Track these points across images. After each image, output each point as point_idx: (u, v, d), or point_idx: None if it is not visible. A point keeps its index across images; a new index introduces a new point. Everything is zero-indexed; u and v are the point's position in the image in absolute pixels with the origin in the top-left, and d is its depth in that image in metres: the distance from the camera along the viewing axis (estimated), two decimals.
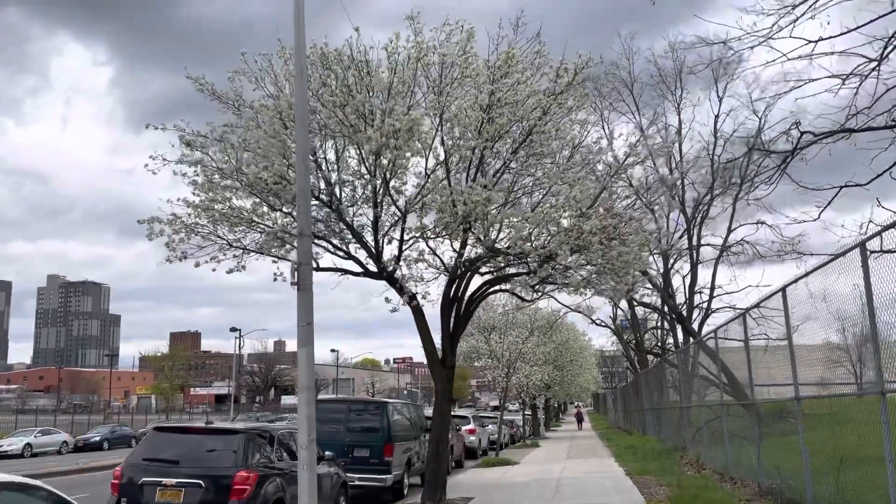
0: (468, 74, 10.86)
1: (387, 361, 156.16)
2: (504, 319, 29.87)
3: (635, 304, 31.81)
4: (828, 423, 10.06)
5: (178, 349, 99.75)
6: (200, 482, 7.97)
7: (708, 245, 27.33)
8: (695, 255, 27.49)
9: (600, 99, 26.01)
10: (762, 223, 25.74)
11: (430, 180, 11.20)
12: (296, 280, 7.62)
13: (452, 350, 13.54)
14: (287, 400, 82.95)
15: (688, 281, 27.97)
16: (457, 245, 13.14)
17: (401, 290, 11.78)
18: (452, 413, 32.37)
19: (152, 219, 12.35)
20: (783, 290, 10.07)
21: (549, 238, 10.56)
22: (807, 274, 8.83)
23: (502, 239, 12.26)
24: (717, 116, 25.76)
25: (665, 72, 26.55)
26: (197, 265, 13.02)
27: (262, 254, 13.57)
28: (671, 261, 27.00)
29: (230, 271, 13.60)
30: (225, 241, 12.99)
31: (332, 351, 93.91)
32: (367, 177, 11.35)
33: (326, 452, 10.63)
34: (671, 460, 18.99)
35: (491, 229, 12.11)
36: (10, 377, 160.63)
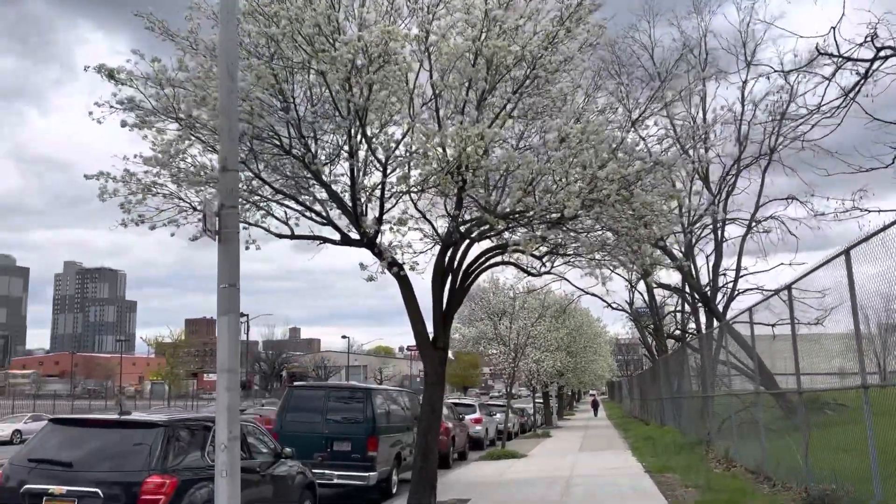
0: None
1: (400, 349, 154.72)
2: (513, 304, 27.96)
3: (654, 285, 29.75)
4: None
5: (185, 335, 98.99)
6: (98, 490, 6.15)
7: (734, 221, 25.22)
8: (719, 233, 25.40)
9: (618, 66, 23.84)
10: (793, 198, 23.68)
11: (414, 123, 9.27)
12: (216, 227, 5.75)
13: (445, 329, 11.66)
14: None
15: (711, 261, 25.89)
16: (450, 206, 11.26)
17: (380, 254, 9.91)
18: (457, 401, 30.67)
19: (101, 174, 10.57)
20: (847, 252, 8.10)
21: (557, 189, 8.59)
22: (885, 228, 6.84)
23: (503, 199, 10.35)
24: (744, 83, 23.57)
25: (687, 35, 24.33)
26: (152, 228, 11.29)
27: None
28: (693, 238, 24.89)
29: (194, 238, 11.87)
30: (188, 204, 11.29)
31: (343, 337, 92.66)
32: (339, 118, 9.46)
33: (286, 449, 8.83)
34: (696, 455, 17.06)
35: (488, 183, 10.20)
36: (25, 362, 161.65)
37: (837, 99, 7.45)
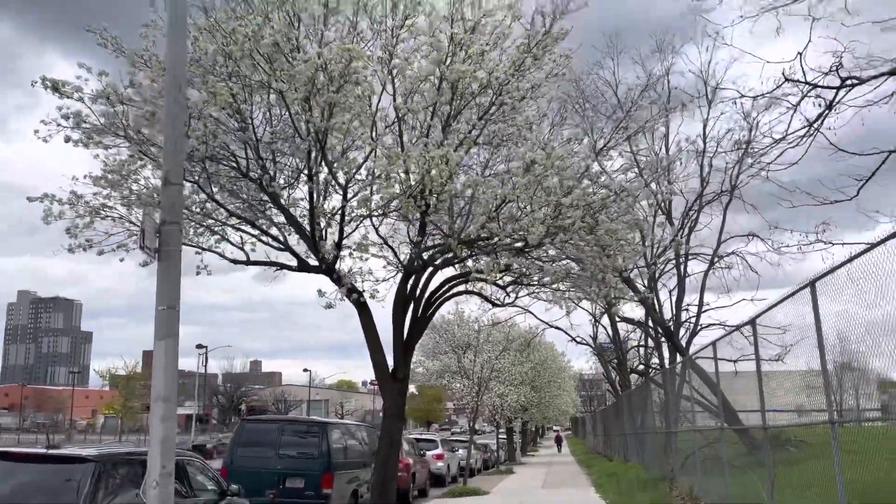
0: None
1: (363, 383, 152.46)
2: (478, 336, 27.64)
3: (618, 319, 29.72)
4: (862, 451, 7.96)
5: (142, 367, 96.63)
6: None
7: (696, 256, 25.41)
8: (682, 268, 25.54)
9: (583, 101, 24.02)
10: (754, 235, 23.95)
11: (377, 145, 9.01)
12: (156, 245, 5.37)
13: (406, 360, 11.30)
14: None
15: (675, 296, 25.98)
16: (413, 233, 11.00)
17: (338, 280, 9.56)
18: (419, 436, 30.02)
19: (46, 196, 10.10)
20: (812, 284, 7.99)
21: (521, 216, 8.36)
22: (852, 259, 6.72)
23: (467, 226, 10.12)
24: (706, 121, 23.93)
25: (651, 73, 24.68)
26: (100, 253, 10.82)
27: (184, 244, 11.40)
28: (657, 272, 24.97)
29: (144, 264, 11.40)
30: (139, 227, 10.84)
31: (305, 370, 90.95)
32: (298, 139, 9.17)
33: (232, 486, 8.30)
34: (659, 492, 16.78)
35: (452, 209, 9.96)
36: None
37: (802, 128, 7.42)
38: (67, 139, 8.54)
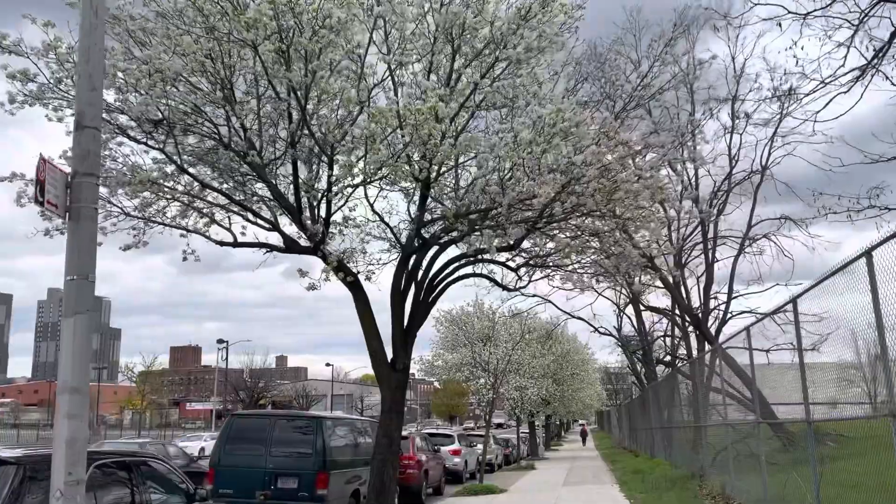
0: None
1: None
2: (493, 327, 26.57)
3: (643, 308, 28.46)
4: None
5: (169, 363, 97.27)
6: None
7: (725, 242, 24.06)
8: (710, 253, 24.19)
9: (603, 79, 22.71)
10: (787, 219, 22.55)
11: (365, 105, 7.94)
12: (66, 203, 4.37)
13: (406, 348, 10.26)
14: None
15: (702, 283, 24.65)
16: (413, 209, 9.99)
17: (324, 258, 8.55)
18: (434, 431, 28.98)
19: (15, 175, 9.21)
20: (868, 253, 6.80)
21: (527, 179, 7.25)
22: None
23: (464, 196, 9.02)
24: (734, 97, 22.48)
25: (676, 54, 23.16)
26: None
27: (166, 226, 10.53)
28: (684, 258, 23.66)
29: (126, 247, 10.55)
30: (119, 209, 10.00)
31: (327, 365, 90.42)
32: (275, 101, 8.15)
33: (199, 490, 7.32)
34: (688, 491, 15.60)
35: (458, 181, 8.90)
36: (4, 391, 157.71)
37: (852, 71, 6.19)
38: (12, 99, 7.56)
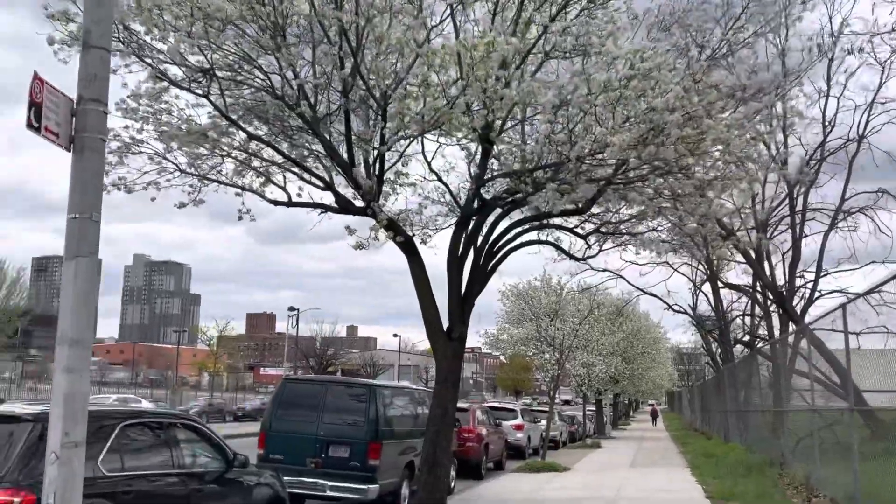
0: None
1: None
2: (558, 301, 25.69)
3: (721, 285, 26.98)
4: None
5: (224, 330, 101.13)
6: None
7: (815, 216, 22.32)
8: (798, 228, 22.52)
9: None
10: (884, 192, 20.70)
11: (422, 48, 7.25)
12: (70, 132, 3.89)
13: (463, 317, 9.64)
14: None
15: (787, 259, 23.01)
16: (474, 167, 9.31)
17: (374, 215, 7.97)
18: (496, 405, 28.45)
19: None
20: None
21: (596, 127, 6.43)
22: None
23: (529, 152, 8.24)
24: (831, 60, 20.62)
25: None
26: (129, 192, 9.73)
27: (221, 184, 10.25)
28: (769, 232, 22.10)
29: (181, 205, 10.31)
30: (174, 165, 9.78)
31: (395, 336, 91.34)
32: (329, 44, 7.55)
33: (239, 455, 6.94)
34: (767, 479, 14.53)
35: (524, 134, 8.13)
36: (93, 350, 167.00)
37: None
38: (51, 41, 7.20)
